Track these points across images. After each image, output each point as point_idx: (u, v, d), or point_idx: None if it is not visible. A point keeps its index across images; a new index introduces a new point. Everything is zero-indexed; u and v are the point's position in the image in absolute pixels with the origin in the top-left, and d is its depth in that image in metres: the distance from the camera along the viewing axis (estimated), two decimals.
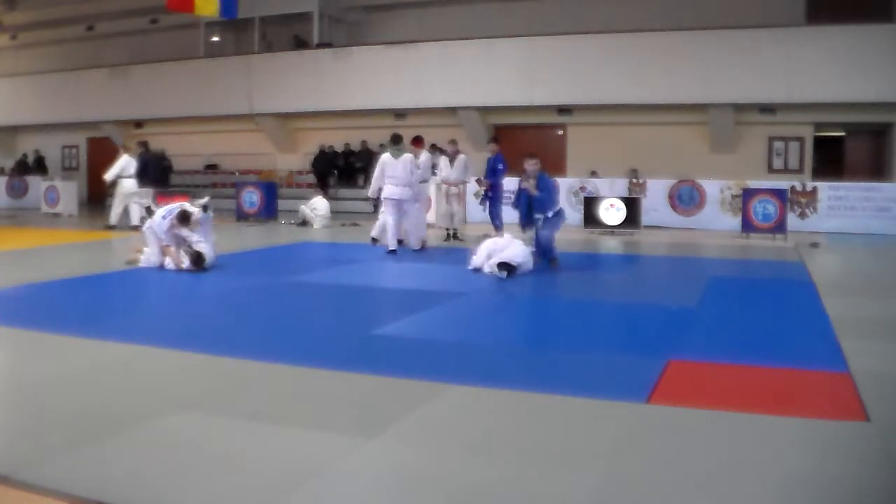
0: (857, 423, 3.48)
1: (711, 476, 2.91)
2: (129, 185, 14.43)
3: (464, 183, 12.03)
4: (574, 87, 16.79)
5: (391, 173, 9.91)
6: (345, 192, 19.31)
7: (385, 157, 10.01)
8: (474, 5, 19.11)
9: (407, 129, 19.05)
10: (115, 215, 14.50)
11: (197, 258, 8.11)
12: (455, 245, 11.31)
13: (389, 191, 9.96)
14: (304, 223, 14.94)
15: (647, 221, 13.87)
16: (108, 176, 14.76)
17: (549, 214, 8.96)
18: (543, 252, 8.90)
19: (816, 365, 4.52)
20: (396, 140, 10.31)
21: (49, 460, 3.00)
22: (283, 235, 13.27)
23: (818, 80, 15.00)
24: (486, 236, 9.89)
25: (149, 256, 8.42)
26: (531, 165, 8.97)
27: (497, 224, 11.50)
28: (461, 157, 11.88)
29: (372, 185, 10.21)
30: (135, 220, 14.07)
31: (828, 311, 6.07)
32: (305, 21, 20.24)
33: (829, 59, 14.97)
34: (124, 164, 14.56)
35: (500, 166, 11.41)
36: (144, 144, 15.42)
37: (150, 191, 14.83)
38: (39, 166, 23.19)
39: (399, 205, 10.01)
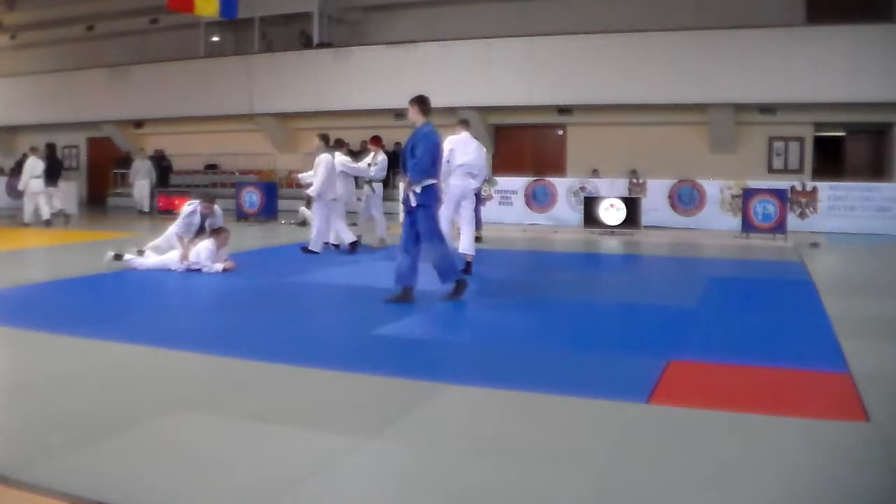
0: (857, 423, 3.48)
1: (711, 476, 2.91)
2: (36, 184, 15.19)
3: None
4: (574, 87, 16.78)
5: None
6: None
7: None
8: (474, 5, 19.10)
9: (407, 129, 19.14)
10: (28, 213, 15.23)
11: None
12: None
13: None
14: (304, 223, 14.94)
15: (647, 221, 13.86)
16: (21, 185, 15.55)
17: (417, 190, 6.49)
18: (439, 271, 6.74)
19: (816, 365, 4.52)
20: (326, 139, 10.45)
21: (49, 460, 3.00)
22: (283, 235, 13.27)
23: (818, 80, 14.99)
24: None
25: (145, 260, 8.43)
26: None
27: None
28: None
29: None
30: (45, 215, 14.96)
31: (828, 311, 6.07)
32: (305, 21, 20.24)
33: (829, 59, 14.96)
34: (32, 165, 15.28)
35: None
36: (50, 147, 16.73)
37: (56, 190, 15.74)
38: None
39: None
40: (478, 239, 11.15)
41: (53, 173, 15.73)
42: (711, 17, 16.07)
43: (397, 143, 19.32)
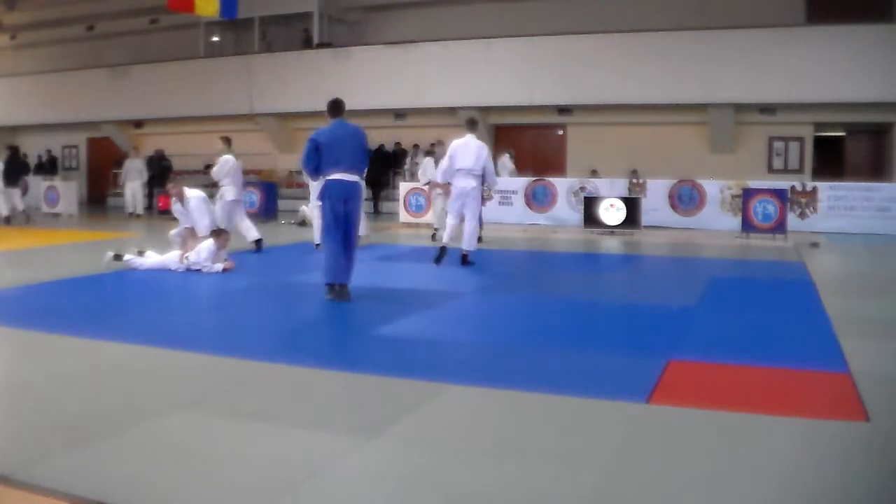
0: (857, 423, 3.47)
1: (711, 476, 2.91)
2: None
3: (448, 184, 11.86)
4: (574, 87, 16.78)
5: None
6: None
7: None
8: (474, 5, 19.10)
9: (407, 129, 19.18)
10: (3, 207, 15.63)
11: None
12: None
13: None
14: (304, 223, 14.93)
15: (647, 221, 13.86)
16: None
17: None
18: None
19: (816, 365, 4.52)
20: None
21: (49, 460, 3.00)
22: (283, 235, 13.27)
23: (818, 80, 15.00)
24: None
25: (145, 260, 8.43)
26: None
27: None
28: None
29: None
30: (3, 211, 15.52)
31: (828, 311, 6.06)
32: (306, 21, 20.24)
33: (829, 59, 14.96)
34: None
35: None
36: (12, 148, 17.00)
37: (15, 191, 16.11)
38: (52, 166, 23.21)
39: None
40: (478, 239, 11.25)
41: (13, 174, 16.10)
42: (711, 17, 16.07)
43: (397, 143, 19.36)
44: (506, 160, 16.04)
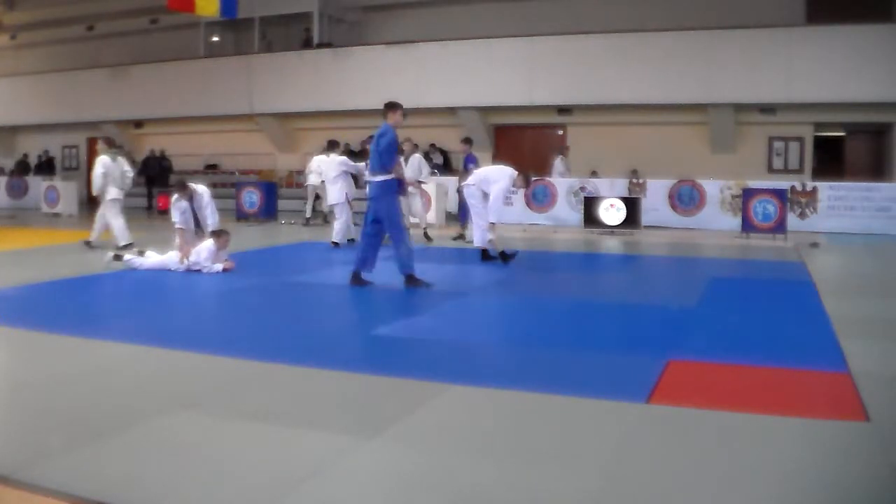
0: (857, 423, 3.48)
1: (712, 476, 2.91)
2: None
3: (419, 183, 11.91)
4: (574, 87, 16.78)
5: None
6: None
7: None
8: (474, 5, 19.10)
9: (407, 129, 19.15)
10: None
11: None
12: (427, 245, 11.42)
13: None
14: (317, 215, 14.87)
15: (647, 221, 13.86)
16: None
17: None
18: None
19: (816, 365, 4.52)
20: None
21: (49, 460, 3.00)
22: (283, 235, 13.27)
23: (818, 80, 15.00)
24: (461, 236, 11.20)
25: (145, 260, 8.42)
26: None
27: (464, 222, 11.64)
28: (415, 156, 11.90)
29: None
30: None
31: (828, 311, 6.07)
32: (306, 21, 20.24)
33: (829, 59, 14.96)
34: None
35: (470, 165, 11.57)
36: None
37: None
38: (49, 166, 23.18)
39: None
40: (461, 237, 11.43)
41: None
42: (711, 17, 16.07)
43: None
44: (557, 163, 16.10)
